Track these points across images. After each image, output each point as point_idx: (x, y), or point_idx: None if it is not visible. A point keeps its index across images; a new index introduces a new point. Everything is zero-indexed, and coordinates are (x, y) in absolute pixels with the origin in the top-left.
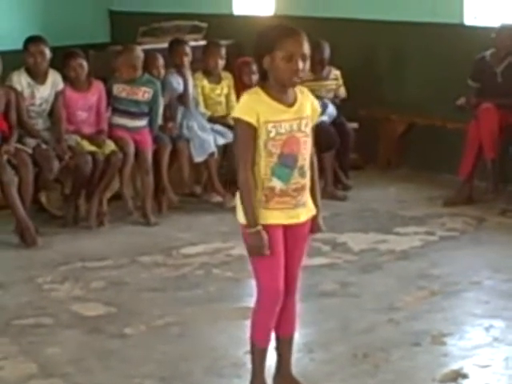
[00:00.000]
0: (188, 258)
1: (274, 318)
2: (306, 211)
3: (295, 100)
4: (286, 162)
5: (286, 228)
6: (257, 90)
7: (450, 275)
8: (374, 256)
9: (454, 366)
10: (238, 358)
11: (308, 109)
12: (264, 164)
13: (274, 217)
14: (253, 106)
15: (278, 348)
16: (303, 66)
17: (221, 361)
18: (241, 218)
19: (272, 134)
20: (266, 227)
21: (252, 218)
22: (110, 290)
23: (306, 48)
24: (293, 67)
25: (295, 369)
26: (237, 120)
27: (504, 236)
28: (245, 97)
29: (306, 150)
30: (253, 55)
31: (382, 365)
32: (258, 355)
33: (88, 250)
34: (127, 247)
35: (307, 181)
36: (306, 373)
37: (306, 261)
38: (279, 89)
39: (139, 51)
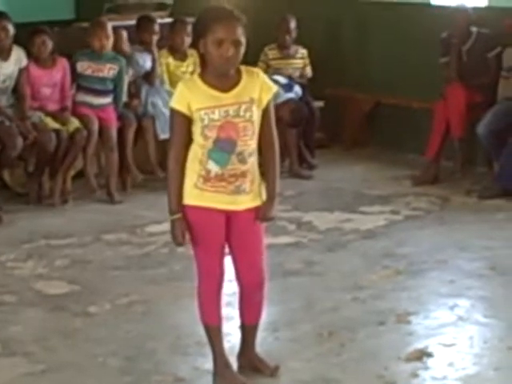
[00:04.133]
0: (152, 237)
1: (218, 298)
2: (248, 199)
3: (236, 84)
4: (223, 147)
5: (229, 215)
6: (191, 77)
7: (415, 254)
8: (339, 235)
9: (419, 345)
10: (203, 337)
11: (254, 92)
12: (201, 147)
13: (207, 199)
14: (185, 95)
15: (242, 329)
16: (234, 52)
17: (185, 339)
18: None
19: (205, 121)
20: (200, 209)
21: (173, 205)
22: (74, 268)
23: (239, 34)
24: (223, 53)
25: (260, 347)
26: (170, 109)
27: (469, 216)
28: (180, 85)
29: (246, 135)
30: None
31: (347, 343)
32: (213, 334)
33: (52, 227)
34: (91, 225)
35: (249, 167)
36: (271, 351)
37: (271, 239)
38: (215, 75)
39: (109, 24)
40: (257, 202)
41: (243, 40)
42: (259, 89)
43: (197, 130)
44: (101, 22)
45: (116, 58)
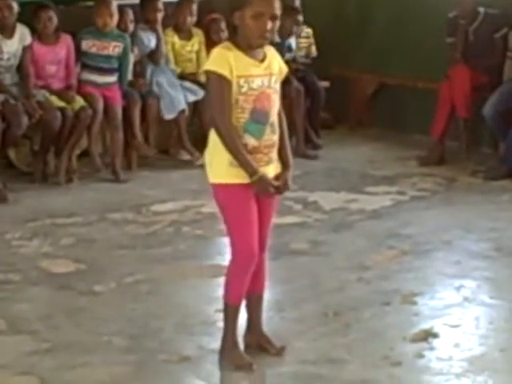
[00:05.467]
0: (158, 216)
1: (248, 278)
2: (274, 168)
3: (265, 56)
4: (259, 118)
5: None
6: (228, 44)
7: (421, 235)
8: (344, 215)
9: (425, 326)
10: (209, 316)
11: (276, 65)
12: (235, 121)
13: (245, 176)
14: (228, 60)
15: (248, 306)
16: (272, 26)
17: (191, 319)
18: (212, 177)
19: (244, 89)
20: (240, 187)
21: (250, 167)
22: (80, 247)
23: (277, 8)
24: (261, 26)
25: (266, 327)
26: (210, 73)
27: (474, 196)
28: (217, 49)
29: (276, 106)
30: (228, 9)
31: (353, 324)
32: (231, 314)
33: (57, 206)
34: (96, 204)
35: (277, 137)
36: (277, 331)
37: (277, 219)
38: (249, 46)
39: (113, 2)
40: (277, 171)
41: (279, 14)
42: (278, 63)
43: (232, 99)
44: (105, 0)
45: (121, 35)
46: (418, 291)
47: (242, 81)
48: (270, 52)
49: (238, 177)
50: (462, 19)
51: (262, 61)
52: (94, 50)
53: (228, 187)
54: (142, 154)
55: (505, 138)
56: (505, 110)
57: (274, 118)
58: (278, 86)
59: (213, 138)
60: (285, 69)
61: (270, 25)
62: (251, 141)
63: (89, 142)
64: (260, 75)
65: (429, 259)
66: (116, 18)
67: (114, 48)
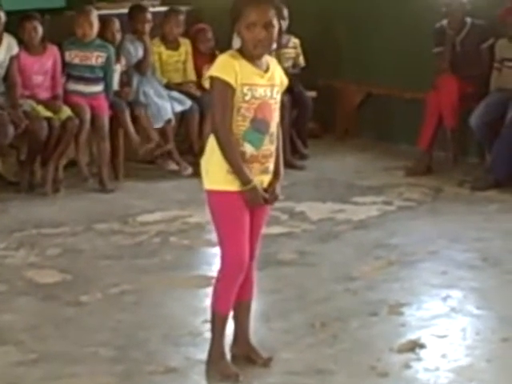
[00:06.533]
0: (144, 226)
1: (237, 287)
2: (268, 178)
3: (268, 67)
4: (259, 127)
5: None
6: (233, 52)
7: (408, 245)
8: (331, 225)
9: (412, 336)
10: (195, 327)
11: (278, 77)
12: (236, 128)
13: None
14: (234, 67)
15: (236, 316)
16: (266, 34)
17: (177, 329)
18: (208, 183)
19: (247, 97)
20: (232, 194)
21: (244, 176)
22: (66, 257)
23: (271, 16)
24: (255, 36)
25: (253, 338)
26: (214, 79)
27: (461, 207)
28: (223, 57)
29: (276, 117)
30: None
31: (340, 334)
32: (219, 323)
33: (43, 216)
34: (83, 214)
35: (275, 148)
36: (264, 342)
37: (264, 229)
38: (251, 57)
39: (93, 12)
40: (269, 180)
41: (275, 22)
42: (279, 75)
43: (234, 106)
44: (84, 10)
45: (103, 45)
46: (405, 302)
47: (245, 89)
48: (273, 63)
49: (235, 184)
50: (451, 29)
51: (266, 71)
52: (76, 60)
53: (224, 194)
54: (143, 152)
55: (491, 149)
56: (491, 121)
57: (273, 128)
58: (279, 98)
59: (211, 144)
60: (285, 81)
61: (263, 34)
62: (250, 149)
63: (76, 152)
64: (263, 85)
65: (415, 269)
66: (96, 27)
67: (96, 58)
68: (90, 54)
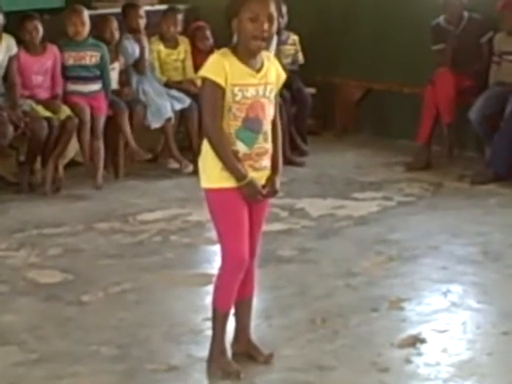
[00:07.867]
0: (145, 225)
1: (238, 284)
2: (266, 175)
3: (262, 65)
4: (252, 126)
5: None
6: (226, 51)
7: (408, 240)
8: (331, 221)
9: (412, 331)
10: (196, 325)
11: (273, 75)
12: (227, 127)
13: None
14: (224, 67)
15: (236, 313)
16: (269, 26)
17: (178, 328)
18: (204, 182)
19: (238, 98)
20: (228, 190)
21: (239, 172)
22: (67, 257)
23: (273, 8)
24: (258, 27)
25: (253, 335)
26: (204, 79)
27: (461, 201)
28: (214, 56)
29: (270, 115)
30: (225, 18)
31: (341, 330)
32: (220, 321)
33: (44, 216)
34: (83, 214)
35: (270, 145)
36: (265, 339)
37: (264, 227)
38: (247, 53)
39: (85, 11)
40: (268, 176)
41: (276, 16)
42: (275, 73)
43: (225, 106)
44: (76, 9)
45: (96, 44)
46: (406, 297)
47: (236, 89)
48: (270, 60)
49: (230, 181)
50: (449, 24)
51: (259, 70)
52: (71, 61)
53: (220, 191)
54: (138, 159)
55: (491, 142)
56: (491, 114)
57: (267, 126)
58: (273, 95)
59: (206, 143)
60: (283, 75)
61: (266, 25)
62: (242, 148)
63: (82, 152)
64: (255, 84)
65: (416, 264)
66: (88, 26)
67: (90, 58)
68: (83, 53)
